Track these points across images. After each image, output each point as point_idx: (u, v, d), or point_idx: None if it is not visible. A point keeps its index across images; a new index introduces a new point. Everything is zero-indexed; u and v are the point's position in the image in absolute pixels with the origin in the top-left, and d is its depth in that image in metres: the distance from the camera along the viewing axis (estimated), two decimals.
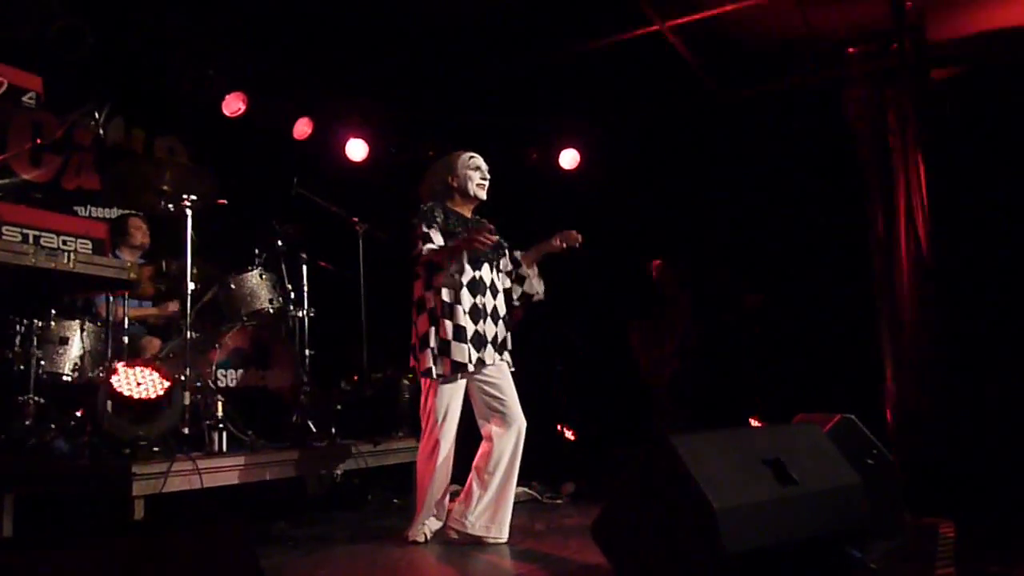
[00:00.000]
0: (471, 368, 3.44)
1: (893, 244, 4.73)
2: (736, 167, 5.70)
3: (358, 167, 6.45)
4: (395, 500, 4.68)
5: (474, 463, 3.55)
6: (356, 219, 4.99)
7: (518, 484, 3.61)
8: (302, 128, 6.15)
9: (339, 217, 4.98)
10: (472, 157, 3.66)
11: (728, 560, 2.15)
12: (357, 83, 6.17)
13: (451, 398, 3.49)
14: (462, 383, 3.52)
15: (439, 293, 3.45)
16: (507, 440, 3.51)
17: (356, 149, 6.42)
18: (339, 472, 4.24)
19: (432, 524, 3.53)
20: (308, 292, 4.79)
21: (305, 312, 4.70)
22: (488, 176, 3.67)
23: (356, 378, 5.12)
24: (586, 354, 5.92)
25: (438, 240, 3.46)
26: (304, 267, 4.83)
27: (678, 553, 2.29)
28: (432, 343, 3.43)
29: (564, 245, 3.63)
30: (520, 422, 3.55)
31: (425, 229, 3.45)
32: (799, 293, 5.40)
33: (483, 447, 3.55)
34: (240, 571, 1.34)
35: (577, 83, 6.00)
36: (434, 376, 3.43)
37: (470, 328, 3.44)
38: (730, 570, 2.17)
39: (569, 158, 6.58)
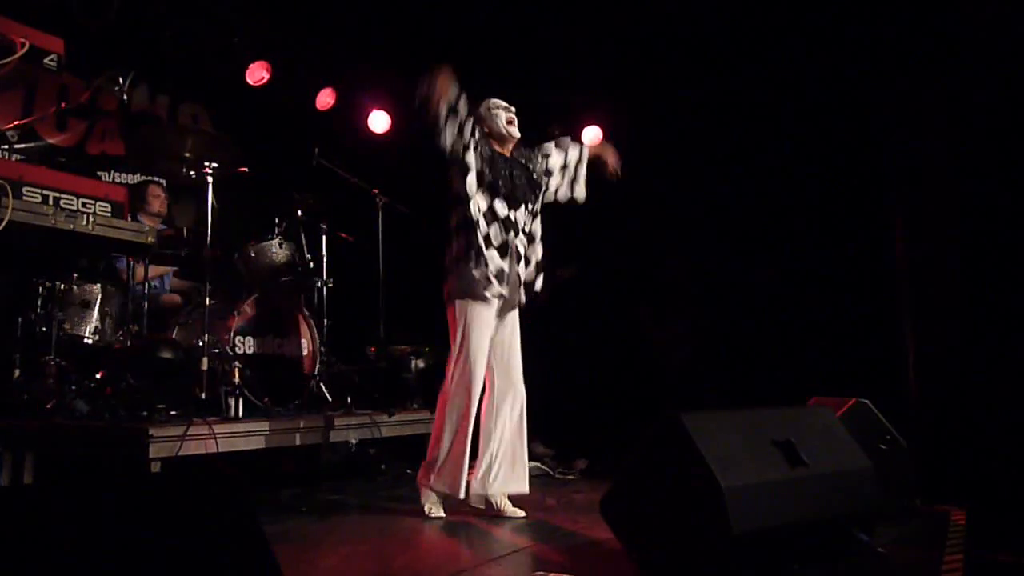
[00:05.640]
0: (493, 295, 3.36)
1: (917, 225, 4.65)
2: (757, 146, 5.61)
3: (380, 139, 6.45)
4: (408, 471, 4.70)
5: (481, 425, 3.47)
6: (376, 191, 4.99)
7: (530, 459, 3.60)
8: (325, 99, 6.15)
9: (359, 188, 4.99)
10: (493, 100, 3.70)
11: (735, 540, 2.15)
12: (381, 55, 6.14)
13: (481, 322, 3.38)
14: (492, 312, 3.41)
15: (469, 209, 3.39)
16: (509, 408, 3.46)
17: (379, 121, 6.42)
18: (354, 441, 4.27)
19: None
20: (327, 262, 4.82)
21: (324, 282, 4.74)
22: (513, 111, 3.67)
23: (373, 349, 5.15)
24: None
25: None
26: (323, 237, 4.86)
27: (685, 531, 2.29)
28: (465, 261, 3.35)
29: (613, 168, 3.76)
30: (522, 396, 3.50)
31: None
32: (822, 276, 5.32)
33: (486, 403, 3.47)
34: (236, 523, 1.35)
35: (602, 58, 5.93)
36: (464, 294, 3.35)
37: (496, 260, 3.37)
38: (736, 550, 2.17)
39: (591, 135, 6.52)
